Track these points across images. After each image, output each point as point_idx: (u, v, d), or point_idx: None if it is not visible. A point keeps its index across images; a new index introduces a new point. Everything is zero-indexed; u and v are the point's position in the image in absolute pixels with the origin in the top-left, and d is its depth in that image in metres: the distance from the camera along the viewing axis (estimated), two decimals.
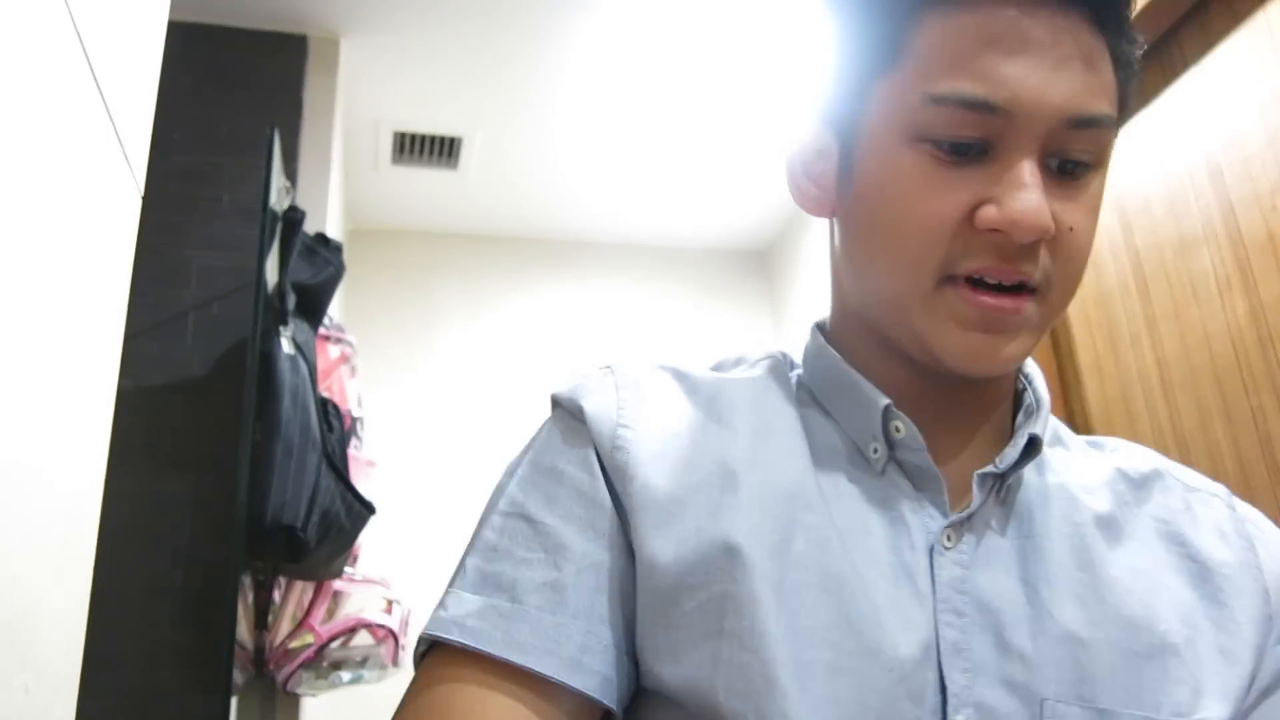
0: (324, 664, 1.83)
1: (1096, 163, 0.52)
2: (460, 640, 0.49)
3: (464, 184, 3.14)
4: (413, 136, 2.89)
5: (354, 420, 2.00)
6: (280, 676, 1.82)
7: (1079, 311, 1.89)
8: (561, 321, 3.39)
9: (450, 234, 3.44)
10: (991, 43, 0.49)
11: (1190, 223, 1.64)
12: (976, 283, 0.51)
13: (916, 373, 0.55)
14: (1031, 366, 0.60)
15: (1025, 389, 0.59)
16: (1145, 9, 1.64)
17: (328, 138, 2.39)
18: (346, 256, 2.15)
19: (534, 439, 0.60)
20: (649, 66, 2.61)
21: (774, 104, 2.78)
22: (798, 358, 0.65)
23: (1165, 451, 0.88)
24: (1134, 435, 1.70)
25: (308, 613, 1.82)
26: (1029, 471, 0.56)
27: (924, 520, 0.53)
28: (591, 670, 0.49)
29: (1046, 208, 0.49)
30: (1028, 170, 0.49)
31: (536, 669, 0.48)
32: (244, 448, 1.59)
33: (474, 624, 0.50)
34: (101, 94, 0.85)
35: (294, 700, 2.07)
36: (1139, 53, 0.54)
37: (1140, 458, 0.62)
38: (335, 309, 2.13)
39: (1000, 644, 0.50)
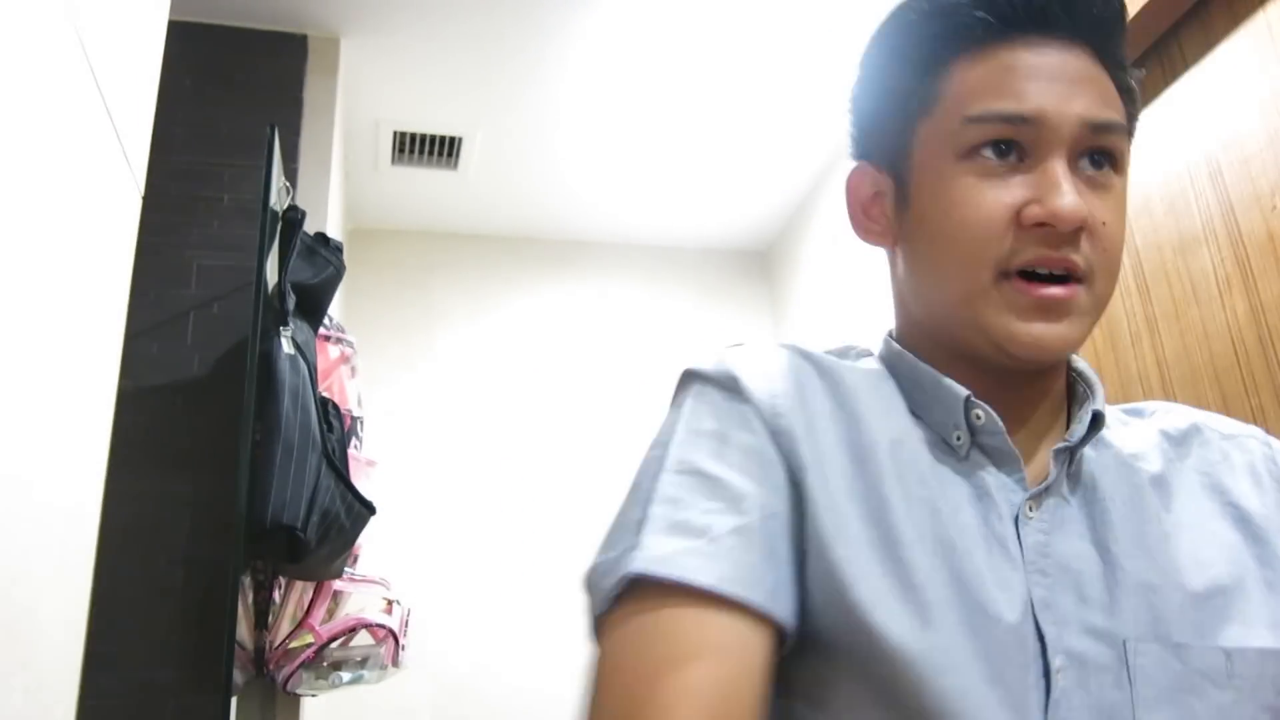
0: (324, 664, 1.83)
1: (1117, 165, 0.60)
2: (674, 575, 0.53)
3: (464, 184, 3.14)
4: (413, 136, 2.89)
5: (354, 420, 2.00)
6: (280, 676, 1.82)
7: None
8: (561, 321, 3.39)
9: (450, 234, 3.44)
10: (1013, 72, 0.58)
11: (1190, 223, 1.64)
12: (1030, 276, 0.58)
13: (981, 371, 0.62)
14: (1078, 359, 0.67)
15: (1076, 379, 0.66)
16: (1145, 9, 1.64)
17: (328, 138, 2.39)
18: (346, 256, 2.15)
19: (678, 412, 0.63)
20: (649, 66, 2.61)
21: (774, 104, 2.78)
22: None
23: None
24: None
25: (308, 613, 1.82)
26: (1088, 447, 0.63)
27: (1007, 495, 0.59)
28: (785, 603, 0.55)
29: (1082, 200, 0.56)
30: (1061, 170, 0.57)
31: (745, 598, 0.53)
32: (244, 448, 1.59)
33: (683, 560, 0.53)
34: (101, 94, 0.85)
35: (294, 700, 2.07)
36: (1135, 82, 0.63)
37: (1178, 416, 0.69)
38: (335, 309, 2.13)
39: (1081, 598, 0.56)
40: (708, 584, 0.52)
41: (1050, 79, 0.58)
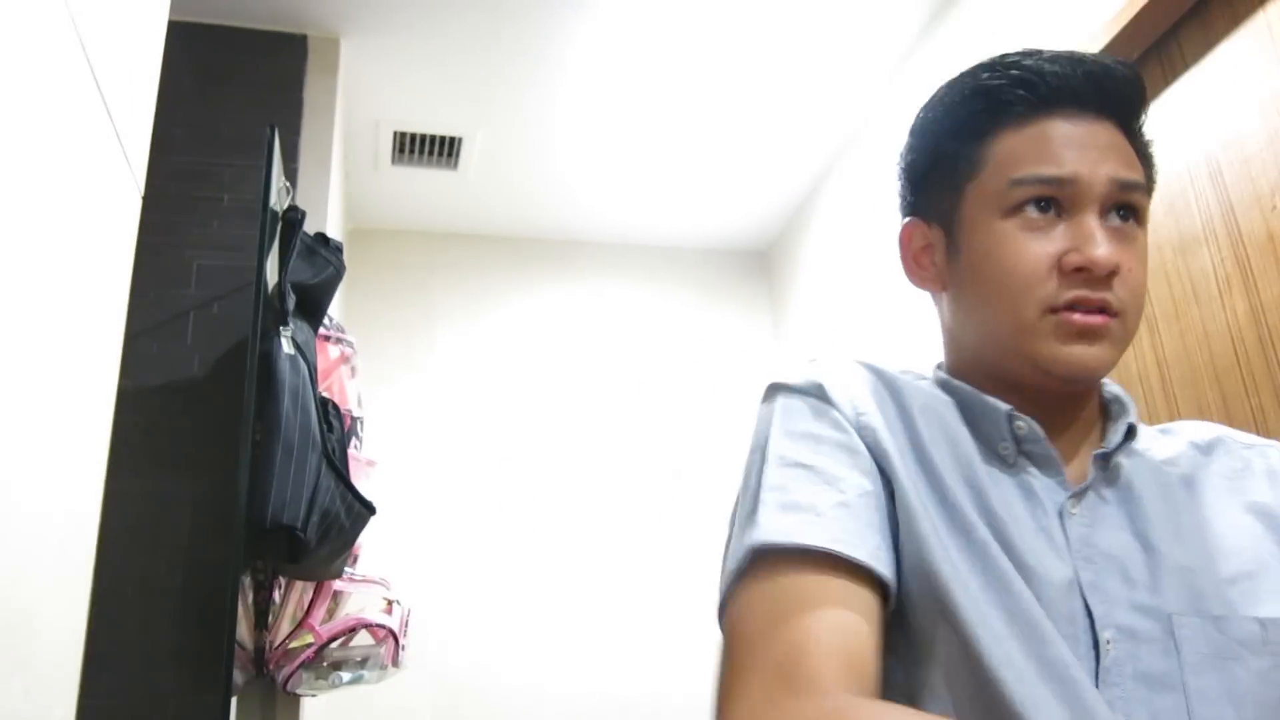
0: (324, 664, 1.83)
1: (1140, 219, 0.70)
2: (792, 539, 0.62)
3: (464, 184, 3.14)
4: (413, 136, 2.89)
5: (354, 420, 2.00)
6: (280, 676, 1.82)
7: None
8: (561, 321, 3.39)
9: (450, 234, 3.44)
10: (1052, 141, 0.69)
11: (1190, 223, 1.64)
12: (1071, 309, 0.67)
13: (1024, 397, 0.70)
14: (1111, 384, 0.77)
15: (1111, 401, 0.76)
16: (1145, 9, 1.64)
17: (328, 138, 2.39)
18: (346, 256, 2.15)
19: (769, 421, 0.72)
20: (649, 66, 2.61)
21: (774, 105, 2.78)
22: None
23: None
24: None
25: (308, 613, 1.82)
26: (1123, 455, 0.72)
27: (1051, 494, 0.68)
28: (886, 564, 0.63)
29: (1114, 249, 0.66)
30: (1094, 223, 0.67)
31: (854, 555, 0.61)
32: (244, 448, 1.59)
33: (798, 530, 0.62)
34: (101, 94, 0.85)
35: (294, 700, 2.07)
36: (1152, 151, 0.74)
37: (1204, 429, 0.78)
38: (335, 309, 2.13)
39: (1127, 581, 0.64)
40: (822, 543, 0.61)
41: (1083, 146, 0.68)
